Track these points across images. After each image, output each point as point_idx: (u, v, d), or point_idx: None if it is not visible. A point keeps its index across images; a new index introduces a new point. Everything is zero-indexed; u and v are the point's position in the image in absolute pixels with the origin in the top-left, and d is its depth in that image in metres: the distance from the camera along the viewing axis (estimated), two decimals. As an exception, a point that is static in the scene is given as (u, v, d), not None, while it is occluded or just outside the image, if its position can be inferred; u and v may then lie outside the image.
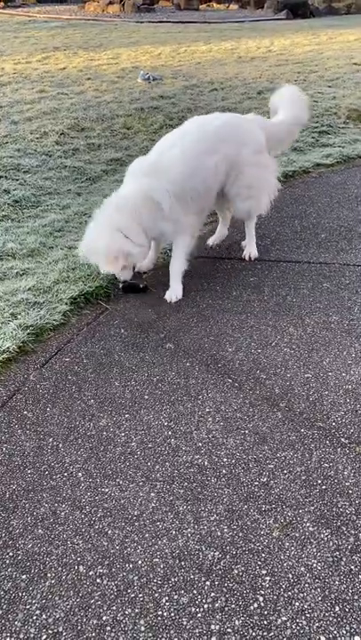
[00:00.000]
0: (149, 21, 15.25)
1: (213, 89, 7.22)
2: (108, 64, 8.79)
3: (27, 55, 9.44)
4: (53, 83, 7.40)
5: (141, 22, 15.03)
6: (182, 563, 1.65)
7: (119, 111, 6.14)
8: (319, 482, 1.90)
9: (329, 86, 7.37)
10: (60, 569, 1.64)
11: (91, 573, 1.63)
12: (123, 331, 2.77)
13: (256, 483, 1.90)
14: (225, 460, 1.99)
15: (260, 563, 1.65)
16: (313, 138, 5.53)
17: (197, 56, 9.70)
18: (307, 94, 6.90)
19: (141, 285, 3.10)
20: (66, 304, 2.90)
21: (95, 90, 7.06)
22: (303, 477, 1.91)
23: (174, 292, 3.04)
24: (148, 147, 5.35)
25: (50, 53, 9.69)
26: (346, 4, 18.25)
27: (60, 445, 2.08)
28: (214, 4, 19.55)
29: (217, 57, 9.64)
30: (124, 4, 17.34)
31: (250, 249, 3.45)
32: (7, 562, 1.66)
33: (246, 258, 3.42)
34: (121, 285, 3.07)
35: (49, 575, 1.63)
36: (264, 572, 1.62)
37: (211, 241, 3.60)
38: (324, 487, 1.88)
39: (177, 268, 3.07)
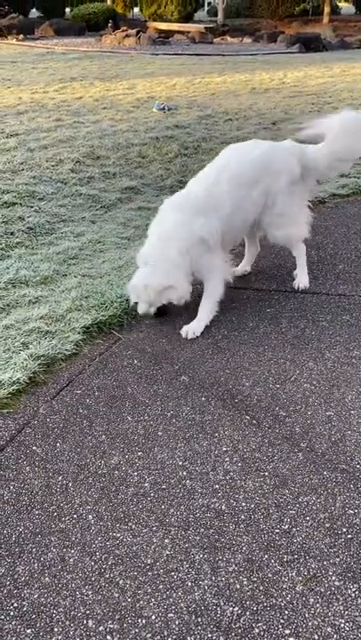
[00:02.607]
0: (165, 54, 15.56)
1: (228, 119, 7.27)
2: (123, 94, 8.92)
3: (44, 85, 9.61)
4: (70, 112, 7.50)
5: (157, 54, 15.35)
6: (199, 619, 1.53)
7: (134, 140, 6.18)
8: (344, 530, 1.78)
9: (343, 117, 7.39)
10: (67, 623, 1.53)
11: (100, 629, 1.51)
12: (136, 362, 2.69)
13: (277, 530, 1.78)
14: (243, 504, 1.88)
15: (282, 621, 1.52)
16: (328, 168, 5.50)
17: (212, 87, 9.82)
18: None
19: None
20: (78, 333, 2.83)
21: (111, 119, 7.14)
22: (327, 525, 1.80)
23: (193, 329, 2.89)
24: (163, 175, 5.39)
25: (67, 83, 9.87)
26: (358, 38, 18.56)
27: (70, 484, 1.98)
28: (228, 38, 19.96)
29: (231, 88, 9.76)
30: (140, 37, 17.75)
31: (299, 279, 3.33)
32: (11, 614, 1.55)
33: (296, 287, 3.32)
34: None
35: (55, 630, 1.51)
36: (288, 631, 1.50)
37: (232, 271, 3.52)
38: (349, 536, 1.76)
39: (208, 307, 2.96)
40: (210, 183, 2.95)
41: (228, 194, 2.91)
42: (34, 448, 2.15)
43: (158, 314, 3.03)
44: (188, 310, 3.06)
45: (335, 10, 25.53)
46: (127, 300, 3.08)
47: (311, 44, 16.96)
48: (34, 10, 24.84)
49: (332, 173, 3.51)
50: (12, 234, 3.99)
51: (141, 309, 2.95)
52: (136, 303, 2.96)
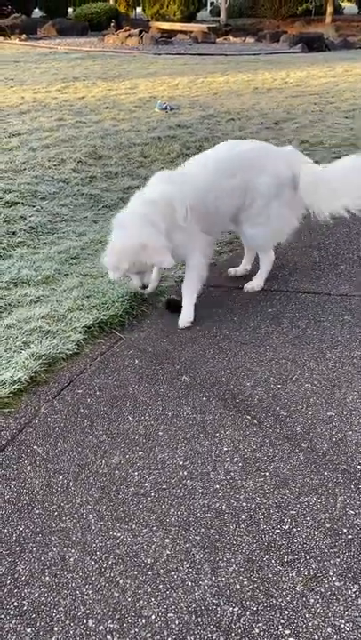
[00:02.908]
0: (167, 53, 15.57)
1: (230, 119, 7.27)
2: (126, 94, 8.92)
3: (47, 85, 9.62)
4: (72, 111, 7.50)
5: (159, 54, 15.35)
6: (199, 619, 1.53)
7: (136, 140, 6.18)
8: (345, 530, 1.78)
9: (346, 117, 7.39)
10: (67, 622, 1.53)
11: (100, 628, 1.51)
12: (137, 361, 2.69)
13: (278, 530, 1.78)
14: (244, 504, 1.87)
15: (282, 621, 1.52)
16: (331, 168, 5.49)
17: (214, 87, 9.82)
18: (324, 125, 6.95)
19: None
20: (80, 333, 2.83)
21: (113, 119, 7.14)
22: (328, 525, 1.79)
23: (186, 317, 2.95)
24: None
25: (69, 83, 9.87)
26: (361, 38, 18.54)
27: (71, 484, 1.98)
28: (231, 38, 19.96)
29: (234, 88, 9.76)
30: (142, 37, 17.76)
31: (254, 282, 3.31)
32: (12, 613, 1.55)
33: (245, 288, 3.30)
34: (166, 300, 3.08)
35: (55, 629, 1.51)
36: (288, 631, 1.50)
37: (232, 270, 3.53)
38: (350, 537, 1.75)
39: (190, 288, 3.00)
40: (196, 164, 3.06)
41: (203, 175, 2.97)
42: (35, 447, 2.15)
43: (171, 308, 3.06)
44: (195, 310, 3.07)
45: (338, 10, 25.51)
46: (128, 300, 3.08)
47: (314, 44, 16.95)
48: (37, 9, 24.87)
49: (317, 205, 3.07)
50: (13, 233, 3.99)
51: (115, 276, 2.80)
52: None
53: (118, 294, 3.11)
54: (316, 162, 3.32)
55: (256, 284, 3.33)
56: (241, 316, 3.06)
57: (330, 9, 22.38)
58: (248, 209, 3.09)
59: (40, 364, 2.58)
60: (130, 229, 2.74)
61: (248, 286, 3.33)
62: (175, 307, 3.06)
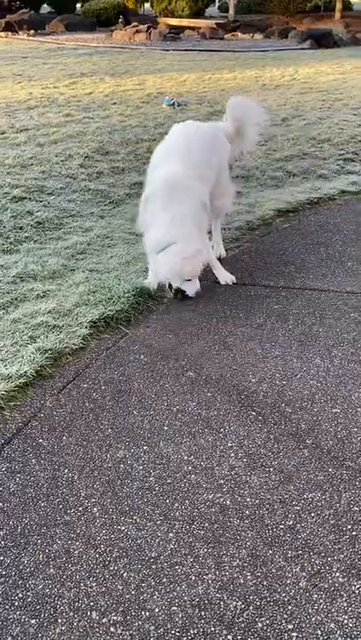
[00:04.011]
0: (175, 49, 15.51)
1: (238, 115, 7.24)
2: (133, 90, 8.91)
3: (54, 80, 9.62)
4: (79, 107, 7.51)
5: (167, 50, 15.30)
6: (202, 612, 1.54)
7: (144, 135, 6.17)
8: (349, 527, 1.78)
9: (354, 114, 7.35)
10: (71, 614, 1.54)
11: (104, 620, 1.52)
12: (142, 357, 2.69)
13: (281, 526, 1.78)
14: (248, 499, 1.88)
15: (286, 616, 1.52)
16: (338, 165, 5.47)
17: (222, 83, 9.79)
18: (332, 122, 6.91)
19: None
20: (86, 328, 2.83)
21: (120, 114, 7.13)
22: (332, 522, 1.79)
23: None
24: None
25: (77, 79, 9.87)
26: (370, 34, 18.37)
27: (76, 477, 1.99)
28: (239, 34, 19.84)
29: (241, 84, 9.72)
30: (150, 33, 17.70)
31: (217, 246, 3.62)
32: (16, 604, 1.57)
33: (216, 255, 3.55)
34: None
35: (59, 621, 1.52)
36: (290, 626, 1.50)
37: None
38: (354, 533, 1.75)
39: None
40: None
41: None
42: (40, 441, 2.16)
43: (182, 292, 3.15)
44: (198, 304, 3.07)
45: (347, 6, 25.29)
46: (134, 295, 3.08)
47: (323, 41, 16.82)
48: (45, 5, 24.84)
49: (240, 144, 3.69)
50: (20, 228, 4.00)
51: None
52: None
53: (124, 290, 3.12)
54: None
55: (220, 249, 3.65)
56: (247, 312, 3.06)
57: (339, 5, 22.21)
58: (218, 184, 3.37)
59: (46, 358, 2.58)
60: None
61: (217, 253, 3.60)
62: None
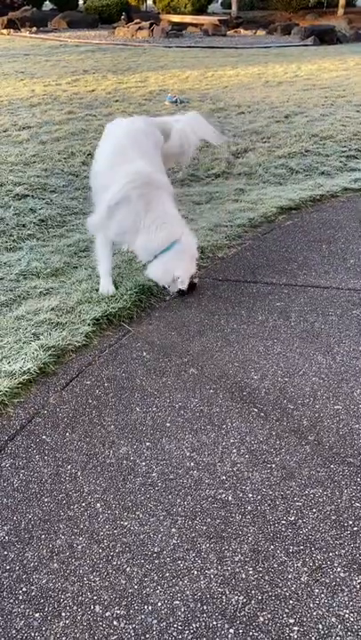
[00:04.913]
0: (178, 46, 15.49)
1: (240, 112, 7.24)
2: (136, 87, 8.90)
3: (57, 78, 9.62)
4: (82, 104, 7.51)
5: (170, 47, 15.28)
6: (204, 607, 1.55)
7: (146, 133, 6.16)
8: (350, 523, 1.79)
9: (357, 111, 7.33)
10: (75, 608, 1.56)
11: (107, 614, 1.54)
12: (145, 354, 2.70)
13: (283, 521, 1.79)
14: (250, 495, 1.89)
15: (287, 610, 1.54)
16: (341, 162, 5.47)
17: (225, 80, 9.77)
18: (335, 119, 6.90)
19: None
20: (88, 325, 2.85)
21: (123, 112, 7.13)
22: (333, 517, 1.81)
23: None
24: (174, 168, 5.37)
25: (79, 76, 9.87)
26: (373, 30, 18.30)
27: (79, 473, 2.00)
28: (242, 30, 19.79)
29: (244, 81, 9.70)
30: (153, 30, 17.67)
31: None
32: (20, 598, 1.58)
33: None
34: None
35: (63, 615, 1.54)
36: (292, 620, 1.51)
37: None
38: (355, 529, 1.77)
39: None
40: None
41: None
42: (43, 437, 2.18)
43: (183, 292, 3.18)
44: (200, 301, 3.08)
45: (350, 2, 25.19)
46: (137, 293, 3.10)
47: (326, 37, 16.76)
48: (47, 2, 24.80)
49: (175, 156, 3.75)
50: (23, 226, 4.01)
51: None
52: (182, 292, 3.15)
53: (127, 287, 3.13)
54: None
55: None
56: (249, 309, 3.07)
57: (342, 1, 22.12)
58: None
59: (49, 355, 2.60)
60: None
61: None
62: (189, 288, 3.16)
